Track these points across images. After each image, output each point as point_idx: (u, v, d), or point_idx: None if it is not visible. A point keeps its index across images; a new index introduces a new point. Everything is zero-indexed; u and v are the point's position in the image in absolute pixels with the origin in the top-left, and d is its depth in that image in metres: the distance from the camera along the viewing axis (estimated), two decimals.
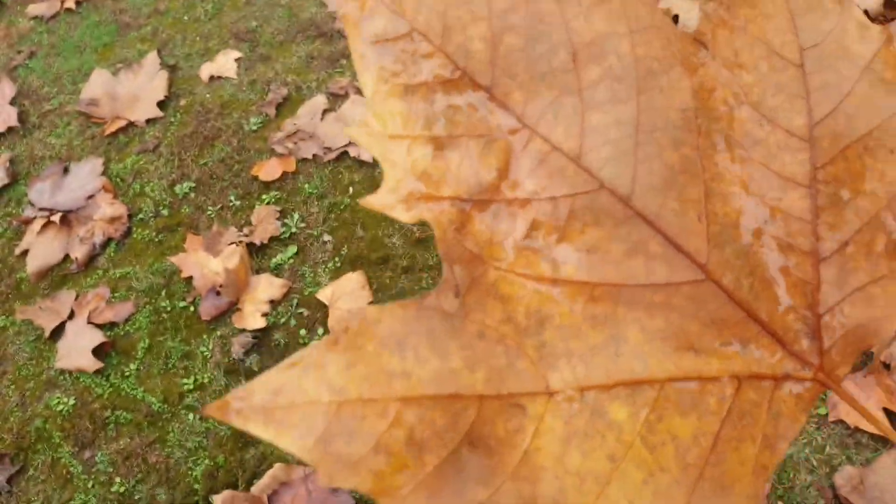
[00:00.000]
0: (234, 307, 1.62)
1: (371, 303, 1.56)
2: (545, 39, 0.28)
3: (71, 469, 1.48)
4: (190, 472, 1.44)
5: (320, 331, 1.56)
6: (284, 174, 1.84)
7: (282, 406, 0.23)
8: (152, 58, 2.16)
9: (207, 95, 2.08)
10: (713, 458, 0.25)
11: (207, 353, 1.58)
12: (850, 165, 0.28)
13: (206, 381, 1.54)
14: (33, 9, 2.43)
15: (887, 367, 1.31)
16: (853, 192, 0.28)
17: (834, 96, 0.28)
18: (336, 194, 1.79)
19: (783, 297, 0.27)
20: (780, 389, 0.26)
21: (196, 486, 1.42)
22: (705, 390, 0.26)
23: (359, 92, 1.98)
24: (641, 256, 0.27)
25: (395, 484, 0.23)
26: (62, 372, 1.61)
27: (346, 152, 1.83)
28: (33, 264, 1.79)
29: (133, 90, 2.10)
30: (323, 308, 1.59)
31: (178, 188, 1.88)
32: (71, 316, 1.69)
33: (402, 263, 1.65)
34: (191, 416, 1.51)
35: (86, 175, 1.94)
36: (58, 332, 1.67)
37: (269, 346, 1.57)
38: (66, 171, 1.97)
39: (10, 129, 2.12)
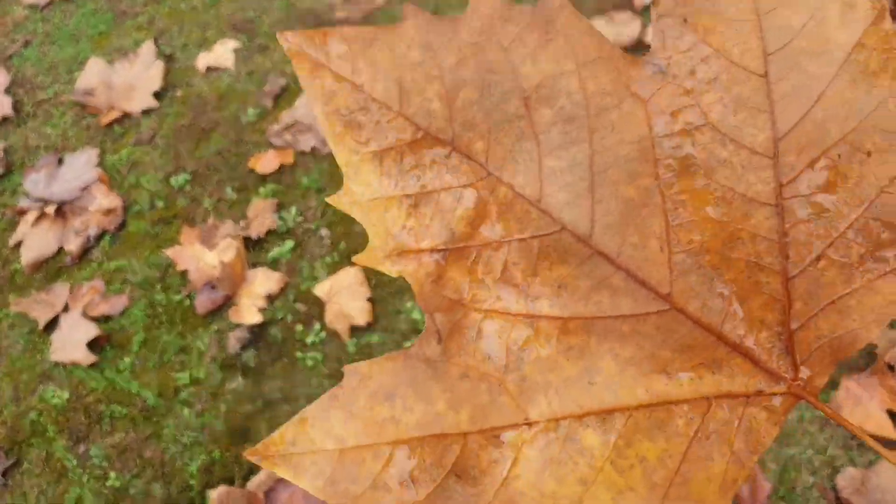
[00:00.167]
0: (230, 301, 1.61)
1: (370, 299, 1.55)
2: (497, 88, 0.28)
3: (66, 463, 1.47)
4: (185, 468, 1.43)
5: (317, 326, 1.55)
6: (282, 167, 1.81)
7: (297, 454, 0.28)
8: (148, 47, 2.13)
9: (204, 86, 2.05)
10: (679, 478, 0.27)
11: (203, 348, 1.56)
12: (820, 177, 0.27)
13: (201, 375, 1.53)
14: None
15: (891, 368, 1.29)
16: (824, 204, 0.27)
17: (802, 103, 0.27)
18: (334, 188, 1.77)
19: (754, 316, 0.28)
20: (752, 406, 0.27)
21: (192, 482, 1.41)
22: (674, 413, 0.27)
23: None
24: (606, 291, 0.28)
25: None
26: (56, 365, 1.60)
27: None
28: (28, 256, 1.77)
29: (129, 80, 2.07)
30: (320, 303, 1.58)
31: (173, 180, 1.85)
32: (65, 309, 1.67)
33: None
34: (186, 410, 1.49)
35: (81, 166, 1.91)
36: (52, 324, 1.65)
37: (265, 342, 1.55)
38: (60, 161, 1.95)
39: (5, 119, 2.10)
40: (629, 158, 0.28)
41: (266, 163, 1.82)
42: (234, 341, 1.54)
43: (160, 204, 1.82)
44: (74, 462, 1.47)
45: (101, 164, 1.93)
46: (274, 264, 1.66)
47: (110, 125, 2.01)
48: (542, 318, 0.28)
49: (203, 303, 1.60)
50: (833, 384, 1.33)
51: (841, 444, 1.28)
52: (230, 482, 1.39)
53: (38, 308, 1.67)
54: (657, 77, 0.28)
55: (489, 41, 0.29)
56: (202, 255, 1.65)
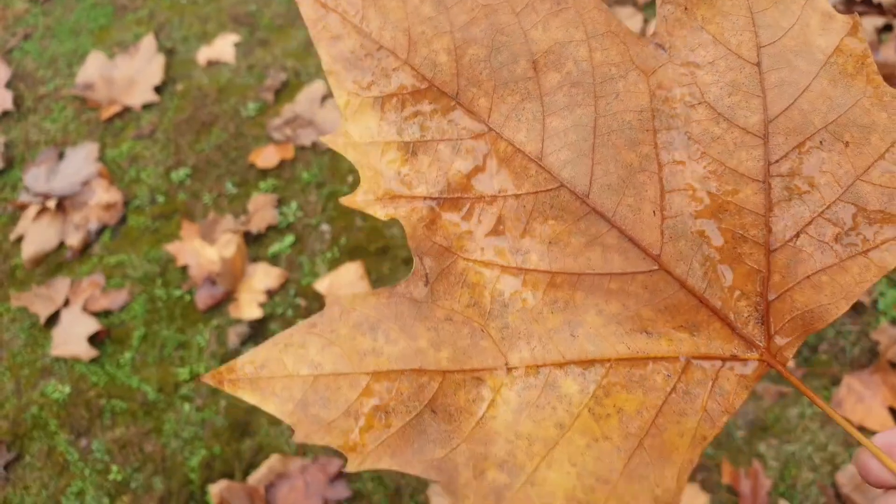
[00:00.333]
0: (230, 297, 1.61)
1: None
2: (506, 49, 0.30)
3: (67, 457, 1.47)
4: (186, 462, 1.43)
5: None
6: (282, 161, 1.81)
7: (266, 377, 0.29)
8: (149, 41, 2.12)
9: (205, 80, 2.04)
10: (653, 430, 0.28)
11: (203, 343, 1.56)
12: (804, 160, 0.29)
13: (201, 371, 1.53)
14: None
15: (894, 366, 1.29)
16: (806, 186, 0.30)
17: (790, 93, 0.30)
18: (335, 183, 1.76)
19: (734, 284, 0.29)
20: (726, 369, 0.29)
21: (192, 476, 1.41)
22: (653, 369, 0.29)
23: None
24: (599, 248, 0.30)
25: (362, 442, 0.28)
26: (57, 359, 1.60)
27: None
28: (28, 250, 1.77)
29: (129, 74, 2.06)
30: (320, 298, 1.57)
31: (174, 175, 1.85)
32: (66, 303, 1.67)
33: (402, 254, 1.63)
34: (186, 405, 1.50)
35: (81, 160, 1.91)
36: (53, 319, 1.65)
37: (265, 337, 1.55)
38: (61, 156, 1.95)
39: (6, 113, 2.09)
40: (631, 126, 0.30)
41: (266, 157, 1.81)
42: (234, 336, 1.54)
43: (160, 199, 1.82)
44: (76, 456, 1.48)
45: (101, 158, 1.93)
46: (274, 259, 1.66)
47: (111, 119, 2.01)
48: (531, 272, 0.30)
49: (203, 298, 1.60)
50: (835, 381, 1.33)
51: (841, 441, 1.28)
52: (230, 477, 1.39)
53: (39, 302, 1.68)
54: (660, 55, 0.30)
55: (502, 4, 0.30)
56: (202, 250, 1.65)
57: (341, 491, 1.34)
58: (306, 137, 1.84)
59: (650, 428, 0.29)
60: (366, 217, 1.68)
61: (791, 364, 1.36)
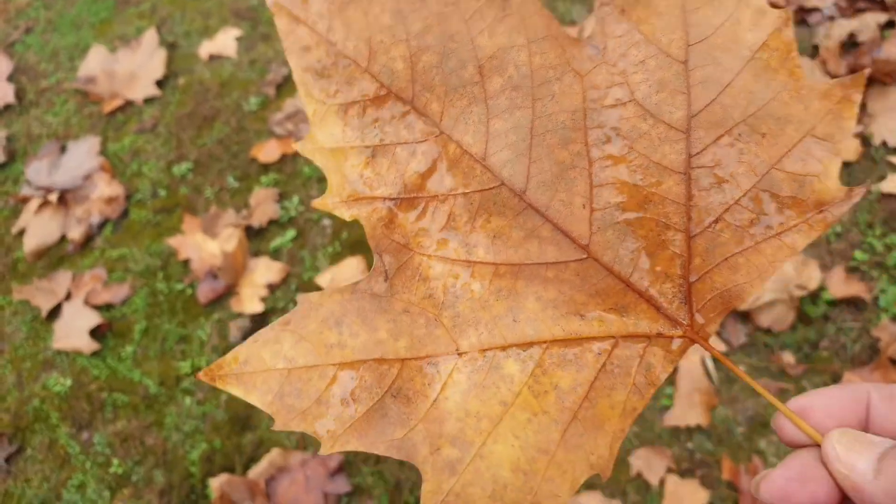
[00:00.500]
0: (231, 291, 1.61)
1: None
2: (455, 56, 0.32)
3: (69, 450, 1.48)
4: (187, 456, 1.43)
5: None
6: (284, 156, 1.81)
7: (248, 373, 0.31)
8: (151, 35, 2.12)
9: (206, 74, 2.04)
10: (587, 403, 0.31)
11: (204, 337, 1.57)
12: (723, 152, 0.31)
13: (203, 364, 1.53)
14: None
15: (894, 363, 1.29)
16: (725, 175, 0.32)
17: (713, 89, 0.32)
18: None
19: (658, 268, 0.32)
20: (653, 346, 0.32)
21: (193, 470, 1.41)
22: (585, 348, 0.32)
23: None
24: (536, 240, 0.32)
25: (332, 427, 0.30)
26: (59, 353, 1.60)
27: None
28: (30, 244, 1.77)
29: (131, 68, 2.06)
30: None
31: (175, 169, 1.85)
32: (68, 296, 1.67)
33: None
34: (188, 399, 1.50)
35: (83, 154, 1.91)
36: (55, 312, 1.66)
37: None
38: (63, 149, 1.95)
39: (7, 107, 2.09)
40: (565, 126, 0.32)
41: (268, 152, 1.81)
42: (235, 330, 1.54)
43: (162, 192, 1.82)
44: (77, 449, 1.48)
45: (103, 152, 1.93)
46: (276, 254, 1.66)
47: (112, 113, 2.01)
48: (478, 264, 0.32)
49: (204, 292, 1.61)
50: (835, 377, 1.33)
51: None
52: (231, 471, 1.39)
53: (41, 296, 1.68)
54: (595, 56, 0.32)
55: (453, 12, 0.32)
56: (204, 244, 1.65)
57: (341, 485, 1.34)
58: (308, 132, 1.84)
59: (583, 402, 0.31)
60: None
61: (791, 360, 1.36)
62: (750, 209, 0.32)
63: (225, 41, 2.09)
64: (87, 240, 1.78)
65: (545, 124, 0.32)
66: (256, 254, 1.66)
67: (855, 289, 1.40)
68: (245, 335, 1.54)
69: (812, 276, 1.41)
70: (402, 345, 0.32)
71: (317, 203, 0.32)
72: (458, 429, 0.31)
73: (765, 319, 1.39)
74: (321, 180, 1.77)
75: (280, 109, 1.90)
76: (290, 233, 1.68)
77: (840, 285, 1.41)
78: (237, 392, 0.31)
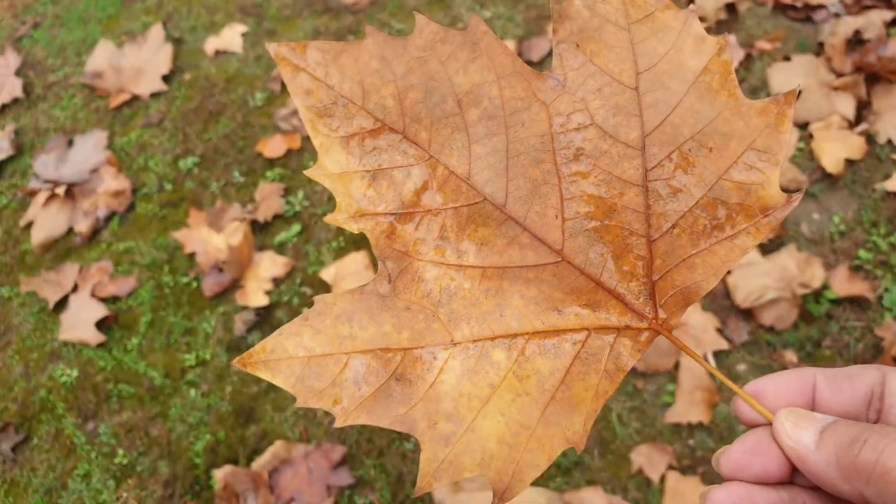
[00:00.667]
0: (236, 284, 1.62)
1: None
2: (437, 92, 0.37)
3: (74, 440, 1.49)
4: (191, 447, 1.45)
5: None
6: (289, 151, 1.82)
7: (274, 360, 0.36)
8: (157, 30, 2.13)
9: (212, 70, 2.05)
10: (563, 386, 0.36)
11: (209, 330, 1.58)
12: (675, 165, 0.36)
13: (207, 357, 1.54)
14: None
15: None
16: (677, 186, 0.36)
17: (663, 110, 0.36)
18: None
19: (625, 269, 0.37)
20: (622, 337, 0.36)
21: (197, 461, 1.43)
22: (562, 339, 0.36)
23: None
24: (517, 247, 0.37)
25: (344, 405, 0.36)
26: (66, 344, 1.62)
27: None
28: (38, 236, 1.79)
29: (138, 63, 2.07)
30: (326, 287, 1.58)
31: (182, 163, 1.86)
32: (74, 289, 1.69)
33: None
34: (192, 391, 1.51)
35: (90, 148, 1.93)
36: (61, 304, 1.67)
37: (271, 324, 1.56)
38: (70, 143, 1.96)
39: (15, 101, 2.11)
40: (535, 148, 0.37)
41: (273, 147, 1.82)
42: (240, 324, 1.55)
43: (168, 186, 1.83)
44: (83, 439, 1.49)
45: (110, 146, 1.94)
46: (280, 248, 1.67)
47: (119, 108, 2.02)
48: (468, 268, 0.37)
49: (210, 285, 1.62)
50: None
51: None
52: (235, 462, 1.41)
53: (48, 288, 1.69)
54: (557, 88, 0.37)
55: (431, 56, 0.37)
56: (209, 238, 1.66)
57: (344, 478, 1.35)
58: None
59: (560, 385, 0.35)
60: None
61: (794, 359, 1.36)
62: (703, 215, 0.36)
63: (231, 37, 2.10)
64: (94, 233, 1.79)
65: (518, 147, 0.37)
66: (261, 248, 1.67)
67: (859, 287, 1.40)
68: (250, 328, 1.55)
69: (815, 275, 1.41)
70: (404, 336, 0.36)
71: (329, 219, 0.37)
72: (453, 407, 0.35)
73: (767, 317, 1.40)
74: None
75: (285, 105, 1.91)
76: (295, 227, 1.69)
77: (844, 284, 1.41)
78: (265, 376, 0.36)
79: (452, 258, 0.37)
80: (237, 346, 1.54)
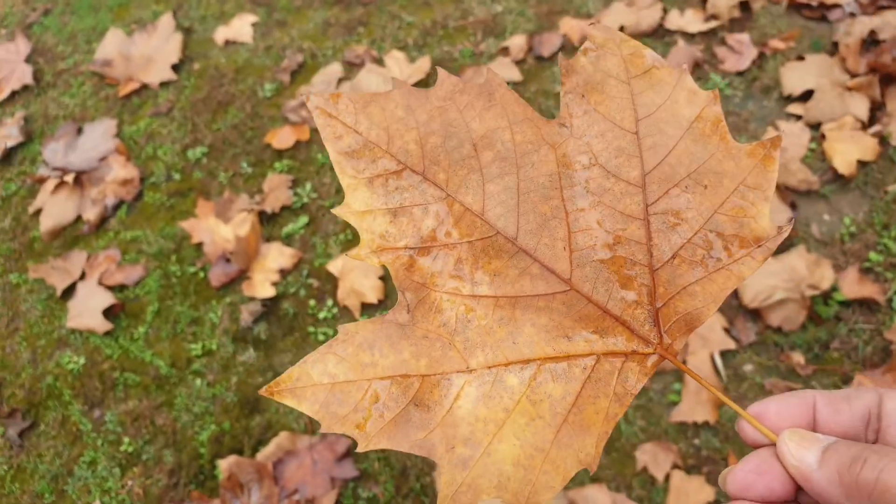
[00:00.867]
0: (243, 275, 1.62)
1: (381, 277, 1.55)
2: (455, 137, 0.40)
3: (81, 427, 1.50)
4: (196, 437, 1.45)
5: (329, 302, 1.56)
6: (298, 143, 1.81)
7: (300, 387, 0.38)
8: (167, 19, 2.13)
9: (222, 60, 2.05)
10: (575, 410, 0.37)
11: (216, 320, 1.58)
12: (674, 201, 0.39)
13: (213, 347, 1.55)
14: None
15: None
16: (677, 220, 0.39)
17: (661, 152, 0.39)
18: None
19: (630, 297, 0.39)
20: (629, 361, 0.38)
21: (202, 451, 1.43)
22: (573, 364, 0.38)
23: (375, 60, 1.94)
24: (528, 277, 0.40)
25: (367, 430, 0.37)
26: (73, 331, 1.62)
27: None
28: (46, 223, 1.79)
29: (147, 52, 2.07)
30: (333, 279, 1.58)
31: (190, 153, 1.86)
32: (82, 276, 1.69)
33: None
34: (198, 381, 1.52)
35: (99, 136, 1.93)
36: (69, 291, 1.68)
37: (277, 315, 1.57)
38: (79, 131, 1.96)
39: (25, 88, 2.11)
40: (544, 186, 0.40)
41: (282, 138, 1.82)
42: (246, 314, 1.56)
43: (176, 176, 1.83)
44: (89, 426, 1.50)
45: (118, 134, 1.94)
46: (288, 239, 1.67)
47: (128, 96, 2.02)
48: (482, 298, 0.39)
49: (217, 275, 1.62)
50: (846, 379, 1.32)
51: None
52: (240, 453, 1.41)
53: (56, 275, 1.70)
54: (564, 132, 0.40)
55: (450, 105, 0.41)
56: (217, 229, 1.66)
57: (348, 470, 1.36)
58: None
59: (572, 408, 0.37)
60: None
61: (801, 360, 1.36)
62: (701, 246, 0.38)
63: (241, 27, 2.09)
64: (102, 221, 1.79)
65: (529, 185, 0.40)
66: (269, 239, 1.67)
67: (868, 290, 1.39)
68: (256, 319, 1.56)
69: (825, 276, 1.40)
70: (422, 364, 0.38)
71: (353, 255, 0.39)
72: (469, 431, 0.37)
73: (775, 318, 1.39)
74: (333, 169, 1.77)
75: (294, 96, 1.90)
76: (303, 219, 1.69)
77: (853, 286, 1.40)
78: (291, 403, 0.38)
79: (467, 289, 0.39)
80: (243, 337, 1.55)
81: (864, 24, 1.70)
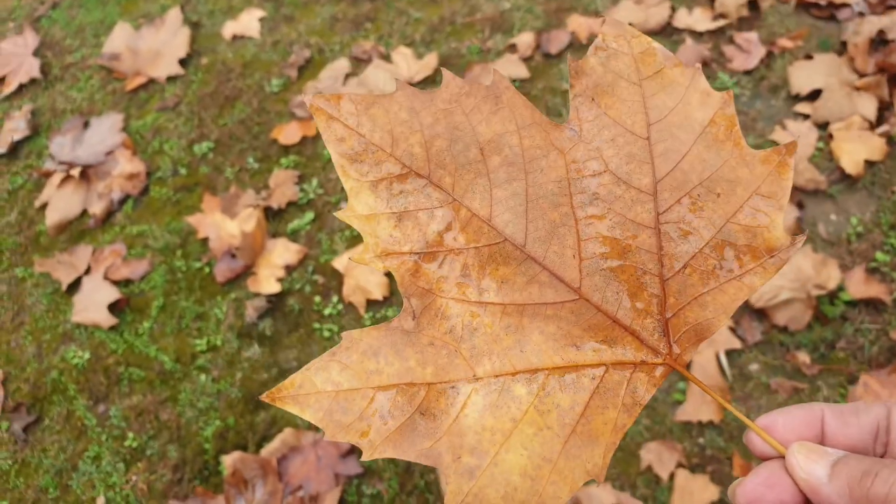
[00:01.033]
0: (249, 270, 1.62)
1: (386, 274, 1.55)
2: (461, 141, 0.39)
3: (85, 422, 1.50)
4: (201, 432, 1.45)
5: (335, 298, 1.56)
6: (304, 138, 1.81)
7: (303, 394, 0.37)
8: (175, 14, 2.13)
9: (229, 54, 2.04)
10: (583, 420, 0.37)
11: (221, 316, 1.58)
12: (684, 209, 0.38)
13: (218, 342, 1.55)
14: None
15: None
16: (688, 229, 0.38)
17: (673, 158, 0.38)
18: None
19: (640, 306, 0.38)
20: (638, 371, 0.37)
21: (206, 446, 1.43)
22: (581, 374, 0.37)
23: (382, 56, 1.94)
24: (536, 285, 0.39)
25: (371, 438, 0.37)
26: (78, 326, 1.63)
27: None
28: (52, 217, 1.80)
29: (155, 46, 2.07)
30: (338, 276, 1.58)
31: (196, 148, 1.86)
32: (88, 271, 1.69)
33: None
34: (203, 376, 1.52)
35: (106, 130, 1.93)
36: (74, 286, 1.68)
37: (282, 311, 1.57)
38: (86, 125, 1.97)
39: (33, 81, 2.11)
40: (553, 192, 0.39)
41: (289, 134, 1.82)
42: (251, 310, 1.56)
43: (183, 171, 1.83)
44: (94, 421, 1.50)
45: (125, 129, 1.94)
46: (293, 235, 1.67)
47: (135, 90, 2.02)
48: (489, 305, 0.38)
49: (222, 271, 1.62)
50: (851, 379, 1.32)
51: None
52: (244, 448, 1.41)
53: (61, 269, 1.70)
54: (573, 137, 0.39)
55: (456, 108, 0.39)
56: (223, 224, 1.66)
57: (352, 466, 1.36)
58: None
59: (581, 419, 0.37)
60: None
61: (807, 360, 1.35)
62: (712, 256, 0.37)
63: (248, 22, 2.09)
64: (108, 215, 1.80)
65: (537, 191, 0.39)
66: (275, 235, 1.67)
67: (875, 290, 1.39)
68: (261, 315, 1.56)
69: (831, 276, 1.40)
70: (428, 371, 0.38)
71: (356, 258, 0.39)
72: (476, 441, 0.36)
73: (781, 317, 1.38)
74: None
75: (301, 92, 1.90)
76: (309, 215, 1.68)
77: (860, 286, 1.40)
78: (294, 410, 0.37)
79: (474, 295, 0.38)
80: (248, 333, 1.55)
81: (872, 24, 1.69)
